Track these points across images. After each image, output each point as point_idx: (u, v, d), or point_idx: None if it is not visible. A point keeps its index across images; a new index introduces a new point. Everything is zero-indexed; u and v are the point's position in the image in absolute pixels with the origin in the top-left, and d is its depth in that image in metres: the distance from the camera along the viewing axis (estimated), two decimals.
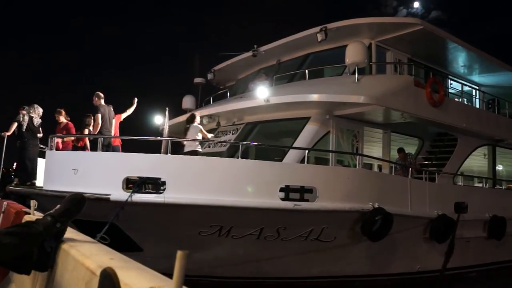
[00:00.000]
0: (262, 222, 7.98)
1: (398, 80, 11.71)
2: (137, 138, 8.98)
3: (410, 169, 10.54)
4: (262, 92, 10.92)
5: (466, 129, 12.91)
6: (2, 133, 10.65)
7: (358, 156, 9.82)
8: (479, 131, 13.47)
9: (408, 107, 10.96)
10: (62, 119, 11.66)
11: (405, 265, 10.34)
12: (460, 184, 12.58)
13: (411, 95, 11.19)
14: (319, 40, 11.84)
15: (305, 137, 10.45)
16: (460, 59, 14.01)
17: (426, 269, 10.42)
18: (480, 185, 15.84)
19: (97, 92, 10.66)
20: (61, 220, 2.35)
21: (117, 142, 11.27)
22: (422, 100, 11.44)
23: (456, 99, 14.49)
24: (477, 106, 15.74)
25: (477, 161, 15.66)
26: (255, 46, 14.02)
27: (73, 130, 11.59)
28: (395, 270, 10.16)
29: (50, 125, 11.86)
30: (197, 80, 16.97)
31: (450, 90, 14.59)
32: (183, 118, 14.47)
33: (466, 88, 15.72)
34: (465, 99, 15.63)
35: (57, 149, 9.92)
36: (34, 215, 3.44)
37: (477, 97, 15.94)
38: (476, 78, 15.75)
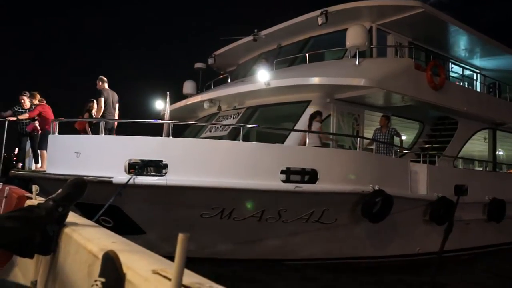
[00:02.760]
0: (263, 204, 8.04)
1: (398, 63, 11.67)
2: (138, 121, 8.99)
3: (390, 145, 10.52)
4: (263, 76, 10.89)
5: (466, 113, 12.91)
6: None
7: (358, 139, 9.83)
8: (480, 115, 13.47)
9: (409, 90, 10.94)
10: (36, 102, 11.53)
11: (405, 247, 10.41)
12: (460, 167, 12.58)
13: (411, 78, 11.17)
14: (319, 23, 11.78)
15: (306, 121, 10.45)
16: (461, 42, 13.92)
17: (426, 251, 10.49)
18: (481, 168, 15.89)
19: (101, 76, 10.59)
20: (63, 204, 2.37)
21: None
22: (423, 83, 11.41)
23: (457, 83, 14.44)
24: (478, 90, 15.69)
25: (477, 145, 15.67)
26: (256, 30, 13.93)
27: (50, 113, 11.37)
28: (395, 252, 10.23)
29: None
30: (198, 65, 16.91)
31: (451, 74, 14.53)
32: (184, 103, 14.47)
33: (467, 72, 15.66)
34: (466, 83, 15.57)
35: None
36: (36, 200, 3.47)
37: (478, 80, 15.88)
38: (477, 62, 15.67)
